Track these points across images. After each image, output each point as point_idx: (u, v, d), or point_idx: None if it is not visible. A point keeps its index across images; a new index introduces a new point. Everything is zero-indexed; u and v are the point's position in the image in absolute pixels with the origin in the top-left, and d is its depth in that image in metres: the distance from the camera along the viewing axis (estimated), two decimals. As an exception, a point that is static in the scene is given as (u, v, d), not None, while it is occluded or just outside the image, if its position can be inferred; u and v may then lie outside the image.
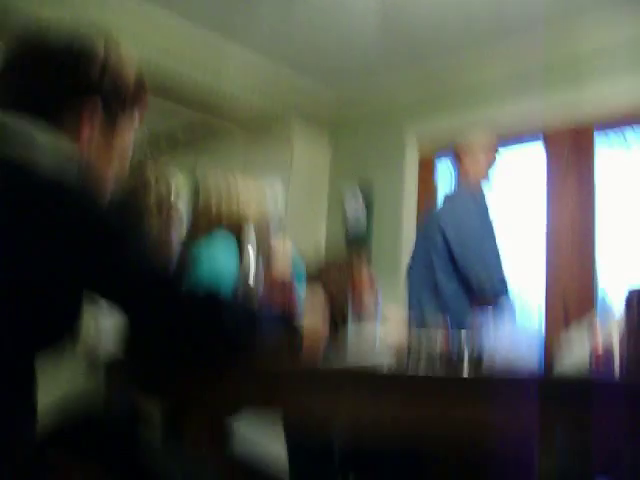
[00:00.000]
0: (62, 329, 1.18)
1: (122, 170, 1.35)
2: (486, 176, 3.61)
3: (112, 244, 1.05)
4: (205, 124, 5.60)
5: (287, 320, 1.21)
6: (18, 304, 1.05)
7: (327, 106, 5.64)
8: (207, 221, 2.31)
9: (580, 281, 4.09)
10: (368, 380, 0.98)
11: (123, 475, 1.40)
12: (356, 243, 5.06)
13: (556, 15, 4.18)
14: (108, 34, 1.32)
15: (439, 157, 5.05)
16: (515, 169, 4.63)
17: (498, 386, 0.94)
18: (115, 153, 1.30)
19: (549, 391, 0.93)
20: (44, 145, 1.12)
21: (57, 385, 1.81)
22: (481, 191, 3.58)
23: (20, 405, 1.12)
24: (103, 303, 1.86)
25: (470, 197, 3.54)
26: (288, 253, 2.30)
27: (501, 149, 3.74)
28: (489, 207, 3.53)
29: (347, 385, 0.98)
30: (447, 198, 3.70)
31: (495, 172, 3.67)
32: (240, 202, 2.32)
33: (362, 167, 5.31)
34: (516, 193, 4.56)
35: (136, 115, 1.34)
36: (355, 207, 5.21)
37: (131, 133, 1.33)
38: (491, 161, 3.62)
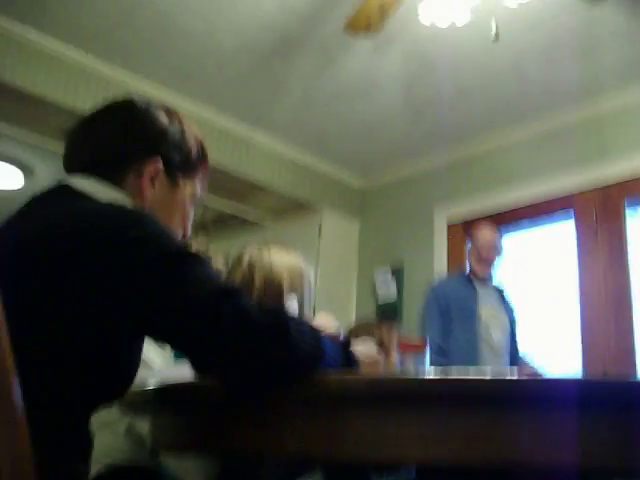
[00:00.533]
0: (125, 381, 1.15)
1: (184, 233, 1.38)
2: (485, 263, 4.10)
3: (179, 267, 1.01)
4: (234, 213, 5.71)
5: (344, 345, 1.19)
6: (79, 354, 1.02)
7: (355, 191, 5.75)
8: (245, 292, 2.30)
9: (618, 346, 4.08)
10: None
11: None
12: (387, 321, 5.07)
13: (581, 92, 4.32)
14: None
15: (468, 236, 5.10)
16: (547, 244, 4.72)
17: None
18: (176, 215, 1.34)
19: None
20: (105, 197, 1.18)
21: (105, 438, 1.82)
22: (471, 276, 4.12)
23: (78, 463, 1.08)
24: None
25: (457, 280, 4.18)
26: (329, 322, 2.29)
27: (503, 240, 4.24)
28: (475, 292, 4.03)
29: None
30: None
31: (499, 260, 4.15)
32: (275, 271, 2.32)
33: (392, 248, 5.37)
34: (549, 266, 4.65)
35: (197, 182, 1.38)
36: (385, 287, 5.25)
37: (192, 199, 1.37)
38: (490, 250, 4.09)
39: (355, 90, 4.39)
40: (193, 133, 1.37)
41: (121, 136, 1.27)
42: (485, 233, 4.14)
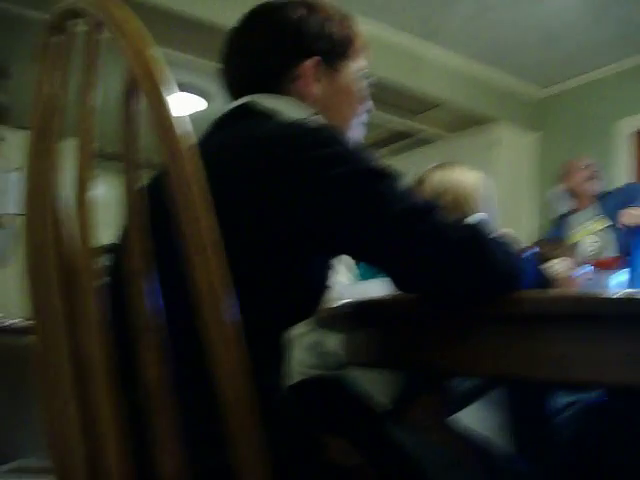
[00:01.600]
0: (314, 300, 1.17)
1: (359, 114, 1.37)
2: (579, 190, 4.14)
3: (374, 181, 1.00)
4: (409, 130, 5.65)
5: (538, 261, 1.16)
6: (271, 271, 1.04)
7: (533, 103, 5.53)
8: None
9: None
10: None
11: (369, 450, 1.40)
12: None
13: None
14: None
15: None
16: None
17: None
18: (348, 101, 1.33)
19: None
20: (291, 114, 1.18)
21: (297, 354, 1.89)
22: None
23: (274, 376, 1.13)
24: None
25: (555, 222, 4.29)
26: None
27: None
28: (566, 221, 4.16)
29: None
30: None
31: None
32: (462, 192, 2.29)
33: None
34: None
35: (357, 58, 1.35)
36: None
37: (358, 75, 1.35)
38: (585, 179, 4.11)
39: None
40: (336, 14, 1.32)
41: (271, 47, 1.25)
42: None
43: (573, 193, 4.18)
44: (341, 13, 1.34)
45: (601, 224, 3.95)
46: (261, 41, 1.26)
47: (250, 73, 1.26)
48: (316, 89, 1.26)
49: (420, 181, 2.27)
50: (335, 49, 1.30)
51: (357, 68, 1.35)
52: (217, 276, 0.73)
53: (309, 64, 1.25)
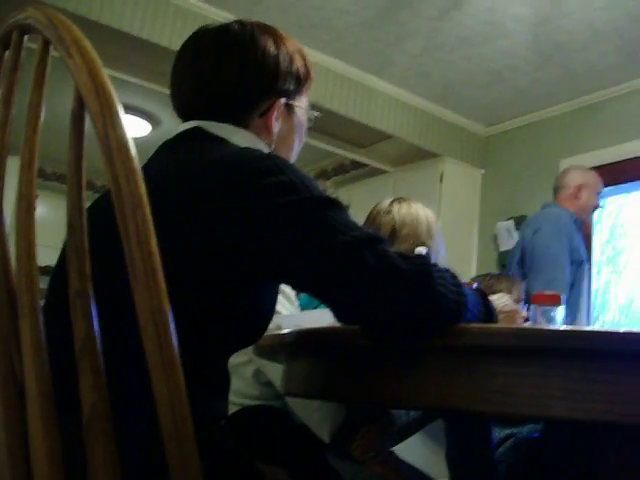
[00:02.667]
0: (258, 326, 1.16)
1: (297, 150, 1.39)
2: (585, 211, 3.84)
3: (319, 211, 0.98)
4: (356, 161, 5.69)
5: (482, 294, 1.16)
6: (215, 298, 1.02)
7: (478, 140, 5.63)
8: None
9: None
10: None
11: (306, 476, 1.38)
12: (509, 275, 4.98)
13: None
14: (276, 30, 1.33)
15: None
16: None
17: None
18: (297, 137, 1.35)
19: None
20: (242, 142, 1.18)
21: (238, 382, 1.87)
22: (573, 219, 3.76)
23: (216, 404, 1.12)
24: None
25: (560, 214, 3.75)
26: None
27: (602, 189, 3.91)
28: (573, 234, 3.66)
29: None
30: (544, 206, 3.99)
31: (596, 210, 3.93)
32: (425, 223, 2.29)
33: (515, 198, 5.23)
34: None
35: (306, 95, 1.36)
36: (508, 241, 5.13)
37: (305, 112, 1.36)
38: (590, 199, 3.82)
39: (480, 35, 4.24)
40: (295, 49, 1.32)
41: (247, 78, 1.24)
42: (586, 178, 3.88)
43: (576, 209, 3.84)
44: (299, 49, 1.34)
45: None
46: (237, 70, 1.24)
47: (213, 97, 1.24)
48: (275, 128, 1.27)
49: (387, 212, 2.27)
50: (296, 87, 1.31)
51: (306, 104, 1.36)
52: (162, 299, 0.71)
53: (279, 102, 1.27)
